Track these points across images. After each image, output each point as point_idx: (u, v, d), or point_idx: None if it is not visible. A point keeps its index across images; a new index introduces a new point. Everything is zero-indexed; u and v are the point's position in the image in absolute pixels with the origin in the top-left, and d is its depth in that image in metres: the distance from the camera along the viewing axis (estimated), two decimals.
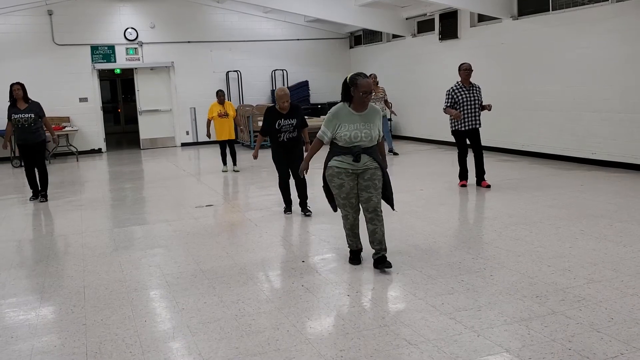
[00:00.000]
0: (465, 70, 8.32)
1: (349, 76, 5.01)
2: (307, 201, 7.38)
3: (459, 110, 8.23)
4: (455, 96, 8.27)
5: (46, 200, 9.26)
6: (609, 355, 3.33)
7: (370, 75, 12.45)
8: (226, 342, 3.75)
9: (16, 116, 8.92)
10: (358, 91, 4.89)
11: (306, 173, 5.62)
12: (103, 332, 4.02)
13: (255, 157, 7.67)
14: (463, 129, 8.34)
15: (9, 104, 9.02)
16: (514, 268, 4.90)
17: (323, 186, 5.27)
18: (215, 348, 3.67)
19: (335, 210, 5.34)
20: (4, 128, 9.41)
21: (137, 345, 3.78)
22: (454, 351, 3.47)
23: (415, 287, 4.57)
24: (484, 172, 8.54)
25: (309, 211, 7.35)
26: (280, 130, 7.16)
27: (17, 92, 8.91)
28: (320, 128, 5.11)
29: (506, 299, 4.23)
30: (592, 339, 3.53)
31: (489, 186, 8.45)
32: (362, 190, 5.01)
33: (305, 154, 7.33)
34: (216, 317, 4.17)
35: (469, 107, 8.26)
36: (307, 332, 3.86)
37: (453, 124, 8.43)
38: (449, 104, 8.33)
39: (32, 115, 8.94)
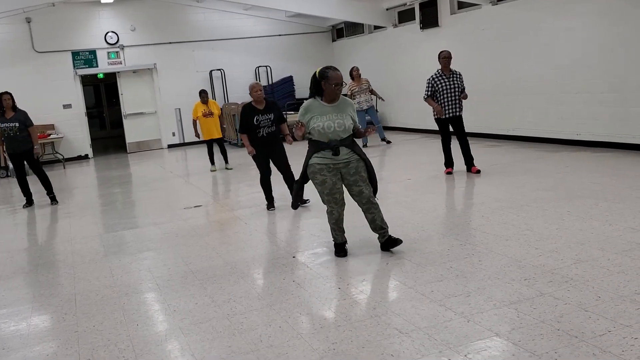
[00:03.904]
0: (444, 58, 8.33)
1: (318, 70, 5.08)
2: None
3: (438, 104, 8.30)
4: (435, 84, 8.30)
5: (57, 202, 9.43)
6: (597, 334, 3.37)
7: (352, 68, 12.51)
8: (219, 341, 3.77)
9: (2, 125, 8.97)
10: (329, 84, 4.98)
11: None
12: (95, 338, 4.02)
13: (252, 152, 7.27)
14: (444, 117, 8.37)
15: None
16: (502, 252, 4.94)
17: (297, 180, 5.36)
18: (208, 348, 3.69)
19: (295, 207, 5.51)
20: None
21: (130, 349, 3.79)
22: (445, 338, 3.50)
23: (405, 276, 4.60)
24: (472, 158, 8.57)
25: (306, 200, 7.39)
26: (259, 126, 7.19)
27: (7, 102, 8.97)
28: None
29: (495, 284, 4.27)
30: (580, 318, 3.57)
31: (478, 171, 8.48)
32: (352, 185, 5.11)
33: (284, 150, 7.41)
34: (208, 317, 4.18)
35: (449, 95, 8.28)
36: (299, 327, 3.88)
37: (435, 112, 8.48)
38: (429, 93, 8.36)
39: (17, 125, 8.97)
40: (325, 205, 5.24)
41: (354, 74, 12.43)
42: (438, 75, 8.33)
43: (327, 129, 4.98)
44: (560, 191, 6.93)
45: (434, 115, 8.50)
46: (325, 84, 5.00)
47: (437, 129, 8.71)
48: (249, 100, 7.58)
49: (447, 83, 8.28)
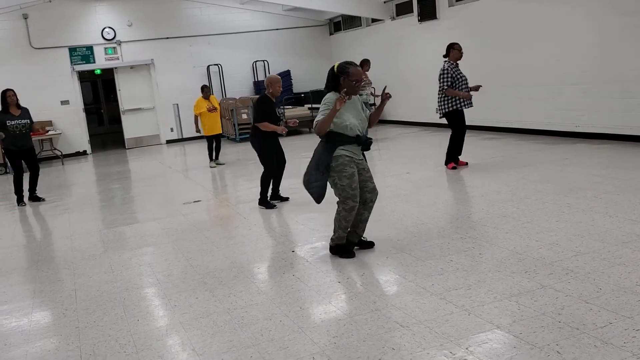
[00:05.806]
0: (461, 51, 8.26)
1: (336, 65, 4.90)
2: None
3: (464, 90, 8.17)
4: (454, 74, 8.13)
5: (42, 199, 9.51)
6: (598, 325, 3.36)
7: (363, 61, 12.38)
8: (219, 336, 3.76)
9: (12, 122, 8.90)
10: (350, 80, 4.80)
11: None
12: (96, 333, 4.02)
13: (284, 130, 7.16)
14: (464, 107, 8.27)
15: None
16: (502, 245, 4.94)
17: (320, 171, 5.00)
18: (209, 343, 3.68)
19: (318, 202, 5.06)
20: None
21: (131, 344, 3.78)
22: (446, 331, 3.50)
23: (405, 270, 4.60)
24: (460, 152, 8.61)
25: (285, 197, 7.59)
26: (279, 119, 7.22)
27: (12, 99, 8.94)
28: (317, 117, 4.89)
29: (495, 276, 4.26)
30: (581, 310, 3.57)
31: (466, 164, 8.55)
32: (367, 181, 5.04)
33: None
34: (209, 311, 4.18)
35: (466, 86, 8.22)
36: (299, 321, 3.88)
37: (452, 104, 8.23)
38: (449, 84, 8.17)
39: (28, 122, 9.01)
40: (343, 204, 4.94)
41: (364, 67, 12.36)
42: (453, 66, 8.22)
43: (354, 126, 4.85)
44: (560, 183, 6.92)
45: (450, 107, 8.21)
46: (345, 80, 4.80)
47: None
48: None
49: (462, 74, 8.23)
